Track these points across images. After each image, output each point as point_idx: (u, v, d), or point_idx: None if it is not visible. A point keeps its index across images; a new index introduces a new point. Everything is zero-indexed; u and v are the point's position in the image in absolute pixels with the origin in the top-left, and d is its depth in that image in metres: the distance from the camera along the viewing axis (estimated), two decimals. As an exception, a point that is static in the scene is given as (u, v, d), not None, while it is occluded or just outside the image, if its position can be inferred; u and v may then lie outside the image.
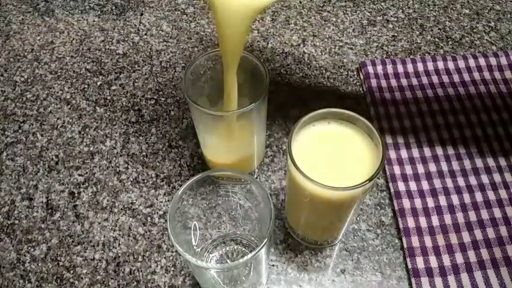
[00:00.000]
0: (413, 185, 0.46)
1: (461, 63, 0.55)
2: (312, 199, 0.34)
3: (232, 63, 0.36)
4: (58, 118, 0.53)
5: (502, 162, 0.47)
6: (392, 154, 0.48)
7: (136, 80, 0.56)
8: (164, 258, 0.43)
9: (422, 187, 0.46)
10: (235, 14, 0.33)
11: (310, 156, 0.35)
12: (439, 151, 0.48)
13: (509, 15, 0.63)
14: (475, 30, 0.61)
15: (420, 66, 0.55)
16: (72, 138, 0.51)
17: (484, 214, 0.44)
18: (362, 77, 0.55)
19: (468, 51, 0.59)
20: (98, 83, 0.56)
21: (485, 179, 0.46)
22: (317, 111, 0.35)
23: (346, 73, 0.56)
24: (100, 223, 0.45)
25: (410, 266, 0.41)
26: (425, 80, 0.54)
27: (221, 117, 0.39)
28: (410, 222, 0.43)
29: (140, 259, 0.43)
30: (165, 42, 0.60)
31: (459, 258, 0.41)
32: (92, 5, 0.65)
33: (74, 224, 0.45)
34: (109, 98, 0.54)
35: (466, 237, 0.43)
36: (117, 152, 0.50)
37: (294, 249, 0.43)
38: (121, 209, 0.46)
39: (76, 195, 0.47)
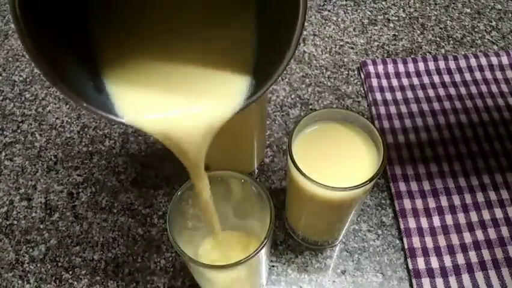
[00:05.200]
0: (414, 185, 0.46)
1: (463, 63, 0.55)
2: (312, 199, 0.34)
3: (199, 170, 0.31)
4: (57, 118, 0.52)
5: (504, 162, 0.47)
6: (393, 154, 0.48)
7: (136, 80, 0.56)
8: (164, 259, 0.42)
9: (423, 187, 0.45)
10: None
11: (311, 156, 0.34)
12: (440, 151, 0.48)
13: (510, 15, 0.63)
14: (476, 30, 0.61)
15: (421, 66, 0.55)
16: (71, 138, 0.51)
17: (486, 214, 0.44)
18: (362, 76, 0.55)
19: (469, 50, 0.58)
20: (98, 83, 0.56)
21: (486, 179, 0.46)
22: (317, 111, 0.35)
23: (347, 72, 0.56)
24: (99, 223, 0.45)
25: (411, 267, 0.41)
26: (426, 79, 0.54)
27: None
28: (411, 223, 0.43)
29: (139, 260, 0.42)
30: (165, 42, 0.60)
31: (460, 259, 0.41)
32: (91, 4, 0.65)
33: (73, 224, 0.45)
34: (108, 97, 0.54)
35: (467, 238, 0.42)
36: (116, 152, 0.49)
37: (294, 250, 0.43)
38: (120, 209, 0.45)
39: (75, 195, 0.46)
